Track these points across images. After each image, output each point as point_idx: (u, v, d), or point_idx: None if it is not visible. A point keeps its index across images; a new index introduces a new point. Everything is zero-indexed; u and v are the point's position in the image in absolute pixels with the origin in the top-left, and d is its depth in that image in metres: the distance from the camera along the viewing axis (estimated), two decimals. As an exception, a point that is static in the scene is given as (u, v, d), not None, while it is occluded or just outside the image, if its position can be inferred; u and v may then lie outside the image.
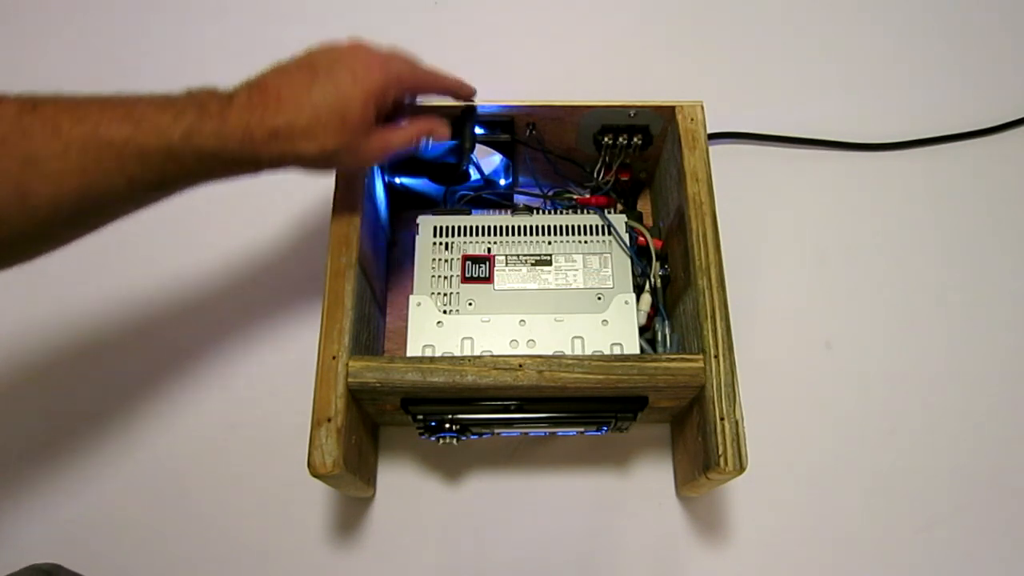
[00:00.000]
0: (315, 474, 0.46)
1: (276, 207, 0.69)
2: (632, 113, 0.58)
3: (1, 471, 0.60)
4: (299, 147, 0.44)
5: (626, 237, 0.58)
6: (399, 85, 0.48)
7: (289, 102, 0.44)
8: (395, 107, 0.49)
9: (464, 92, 0.55)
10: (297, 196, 0.69)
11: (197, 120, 0.42)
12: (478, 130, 0.59)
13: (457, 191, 0.63)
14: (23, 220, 0.37)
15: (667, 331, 0.57)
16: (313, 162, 0.46)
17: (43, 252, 0.40)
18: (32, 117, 0.38)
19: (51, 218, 0.38)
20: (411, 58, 0.50)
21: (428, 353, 0.54)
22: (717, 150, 0.73)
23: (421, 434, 0.53)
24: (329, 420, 0.47)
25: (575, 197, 0.64)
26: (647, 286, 0.57)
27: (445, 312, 0.55)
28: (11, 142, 0.37)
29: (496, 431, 0.55)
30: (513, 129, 0.60)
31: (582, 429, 0.55)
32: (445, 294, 0.56)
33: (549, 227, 0.59)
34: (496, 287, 0.56)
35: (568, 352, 0.54)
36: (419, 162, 0.61)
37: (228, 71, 0.78)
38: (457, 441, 0.53)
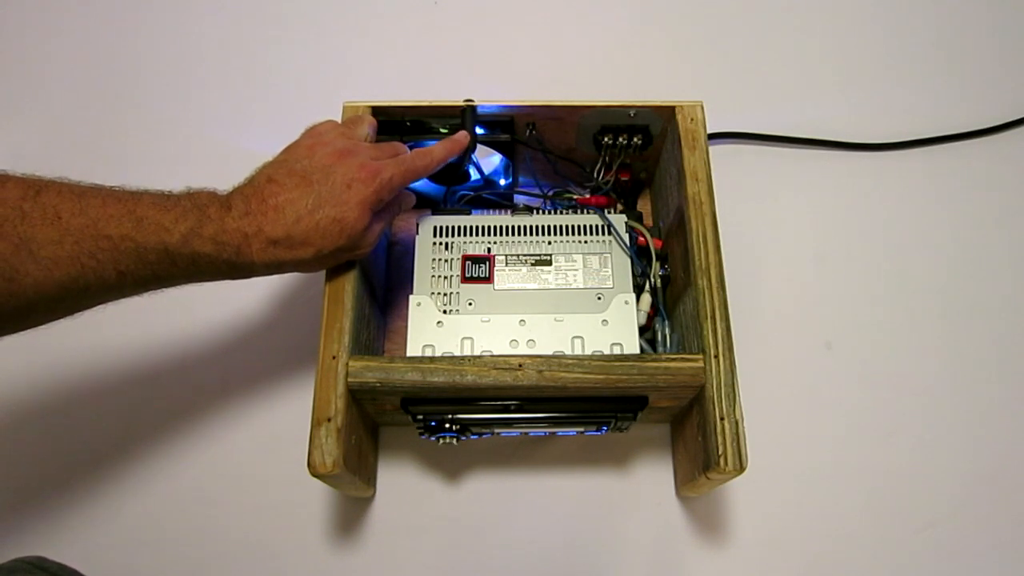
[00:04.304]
0: (315, 474, 0.46)
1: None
2: (632, 113, 0.58)
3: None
4: (297, 253, 0.46)
5: (626, 237, 0.58)
6: (390, 188, 0.49)
7: (287, 213, 0.45)
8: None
9: (458, 147, 0.56)
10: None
11: (197, 224, 0.42)
12: (478, 130, 0.59)
13: (457, 191, 0.63)
14: (5, 300, 0.37)
15: (667, 331, 0.57)
16: (310, 264, 0.48)
17: (20, 329, 0.40)
18: (33, 203, 0.38)
19: (35, 301, 0.38)
20: (401, 156, 0.51)
21: (428, 353, 0.54)
22: (717, 150, 0.73)
23: (421, 434, 0.53)
24: (329, 420, 0.47)
25: (575, 197, 0.64)
26: (647, 286, 0.57)
27: (445, 312, 0.55)
28: (8, 225, 0.37)
29: (496, 431, 0.55)
30: (513, 129, 0.60)
31: (582, 429, 0.55)
32: (445, 294, 0.56)
33: (549, 227, 0.59)
34: (496, 287, 0.56)
35: (568, 352, 0.54)
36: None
37: (228, 69, 0.79)
38: (457, 441, 0.53)
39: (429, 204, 0.63)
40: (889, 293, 0.68)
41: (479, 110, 0.58)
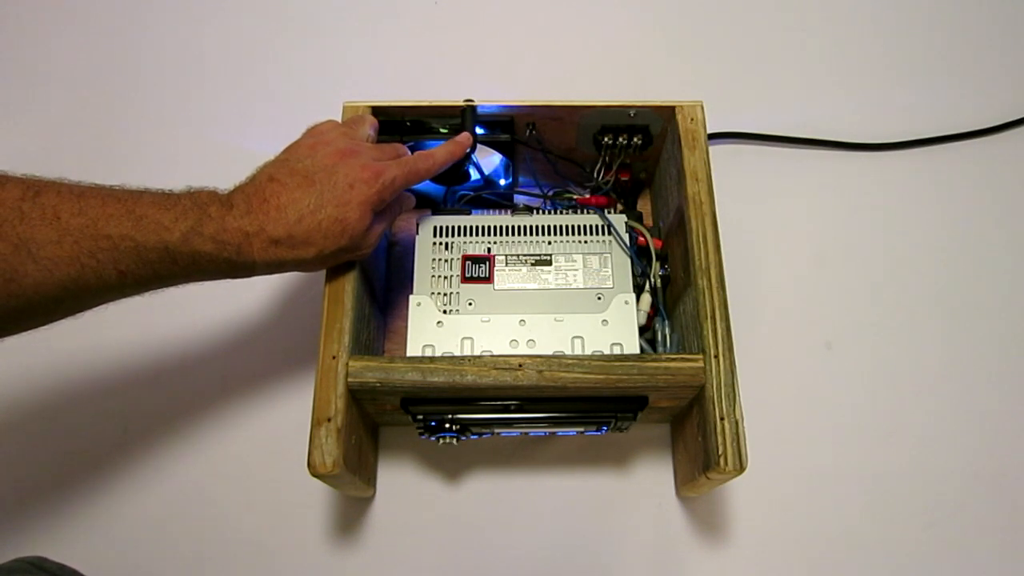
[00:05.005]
0: (315, 474, 0.46)
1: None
2: (632, 113, 0.58)
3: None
4: (299, 253, 0.46)
5: (626, 237, 0.58)
6: (393, 189, 0.49)
7: (289, 213, 0.45)
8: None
9: (461, 150, 0.56)
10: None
11: (197, 223, 0.42)
12: (478, 130, 0.59)
13: (457, 191, 0.63)
14: (5, 300, 0.37)
15: (667, 331, 0.57)
16: (311, 264, 0.47)
17: (21, 331, 0.40)
18: (32, 204, 0.38)
19: (35, 301, 0.38)
20: (404, 158, 0.51)
21: (428, 353, 0.54)
22: (717, 150, 0.73)
23: (421, 434, 0.53)
24: (329, 420, 0.47)
25: (575, 197, 0.64)
26: (647, 286, 0.57)
27: (445, 312, 0.55)
28: (8, 226, 0.37)
29: (496, 431, 0.55)
30: (513, 129, 0.60)
31: (582, 429, 0.55)
32: (445, 294, 0.56)
33: (549, 227, 0.59)
34: (496, 287, 0.56)
35: (568, 352, 0.54)
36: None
37: (228, 69, 0.79)
38: (457, 441, 0.53)
39: (429, 204, 0.63)
40: (889, 293, 0.68)
41: (479, 110, 0.58)
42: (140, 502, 0.59)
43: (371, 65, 0.79)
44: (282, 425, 0.61)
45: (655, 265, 0.58)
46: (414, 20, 0.82)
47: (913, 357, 0.66)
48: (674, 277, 0.58)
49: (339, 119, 0.56)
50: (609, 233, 0.59)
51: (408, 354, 0.54)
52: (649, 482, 0.61)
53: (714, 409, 0.48)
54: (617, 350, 0.54)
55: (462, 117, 0.58)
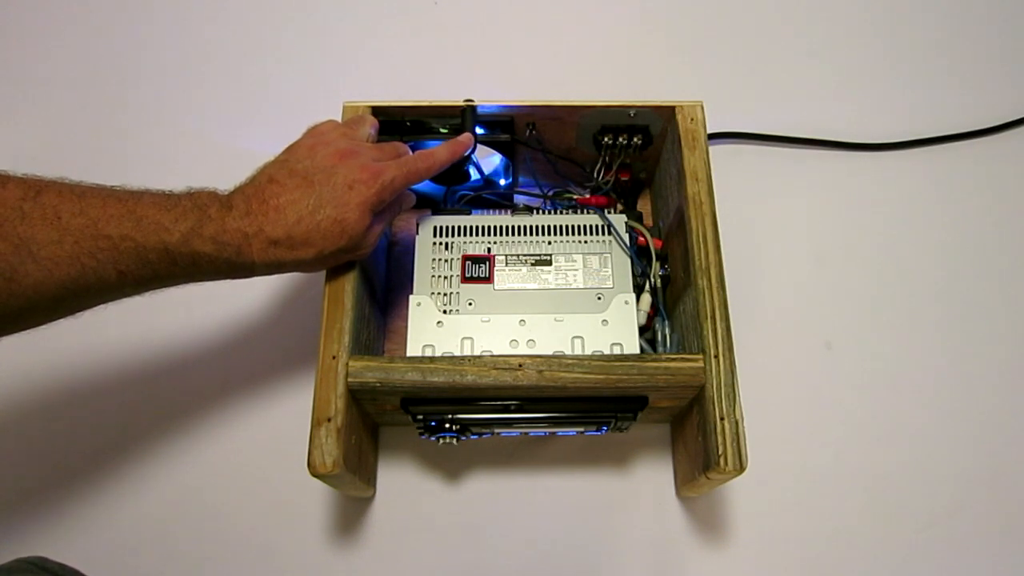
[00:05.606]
0: (315, 474, 0.46)
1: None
2: (632, 113, 0.58)
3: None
4: (298, 254, 0.46)
5: (626, 237, 0.58)
6: (392, 190, 0.49)
7: (288, 214, 0.45)
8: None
9: (462, 149, 0.56)
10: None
11: (197, 224, 0.42)
12: (478, 130, 0.59)
13: (457, 191, 0.63)
14: (6, 300, 0.37)
15: (667, 331, 0.57)
16: (311, 265, 0.48)
17: (20, 330, 0.40)
18: (33, 204, 0.38)
19: (35, 301, 0.38)
20: (403, 157, 0.51)
21: (428, 353, 0.54)
22: (717, 150, 0.73)
23: (421, 434, 0.53)
24: (329, 420, 0.47)
25: (575, 197, 0.64)
26: (647, 286, 0.57)
27: (445, 312, 0.55)
28: (8, 225, 0.37)
29: (496, 431, 0.55)
30: (513, 129, 0.60)
31: (582, 429, 0.55)
32: (445, 294, 0.56)
33: (549, 227, 0.59)
34: (496, 287, 0.56)
35: (568, 352, 0.54)
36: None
37: (228, 69, 0.79)
38: (457, 441, 0.53)
39: (429, 204, 0.63)
40: (889, 293, 0.68)
41: (479, 110, 0.58)
42: (140, 502, 0.59)
43: (371, 65, 0.79)
44: (282, 425, 0.61)
45: (655, 265, 0.58)
46: (414, 20, 0.82)
47: (913, 357, 0.66)
48: (674, 277, 0.58)
49: (339, 119, 0.56)
50: (609, 233, 0.59)
51: (408, 354, 0.54)
52: (649, 482, 0.61)
53: (714, 409, 0.48)
54: (617, 350, 0.54)
55: (462, 117, 0.58)
